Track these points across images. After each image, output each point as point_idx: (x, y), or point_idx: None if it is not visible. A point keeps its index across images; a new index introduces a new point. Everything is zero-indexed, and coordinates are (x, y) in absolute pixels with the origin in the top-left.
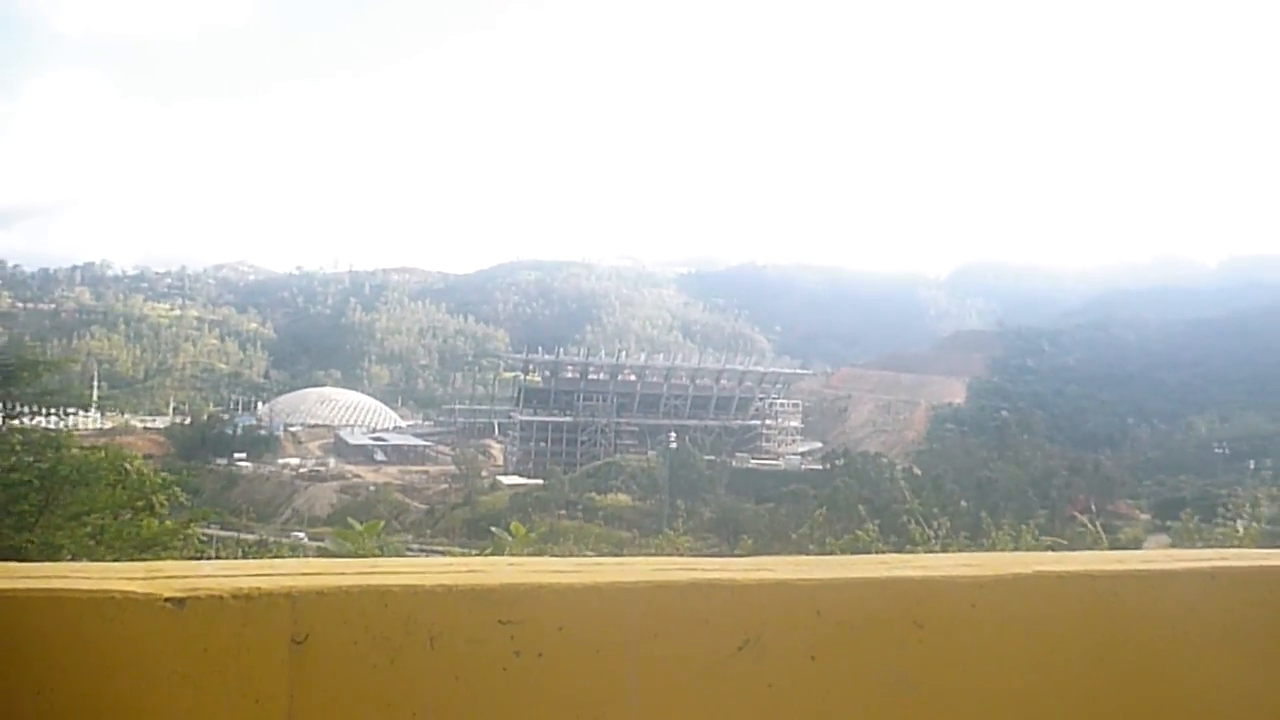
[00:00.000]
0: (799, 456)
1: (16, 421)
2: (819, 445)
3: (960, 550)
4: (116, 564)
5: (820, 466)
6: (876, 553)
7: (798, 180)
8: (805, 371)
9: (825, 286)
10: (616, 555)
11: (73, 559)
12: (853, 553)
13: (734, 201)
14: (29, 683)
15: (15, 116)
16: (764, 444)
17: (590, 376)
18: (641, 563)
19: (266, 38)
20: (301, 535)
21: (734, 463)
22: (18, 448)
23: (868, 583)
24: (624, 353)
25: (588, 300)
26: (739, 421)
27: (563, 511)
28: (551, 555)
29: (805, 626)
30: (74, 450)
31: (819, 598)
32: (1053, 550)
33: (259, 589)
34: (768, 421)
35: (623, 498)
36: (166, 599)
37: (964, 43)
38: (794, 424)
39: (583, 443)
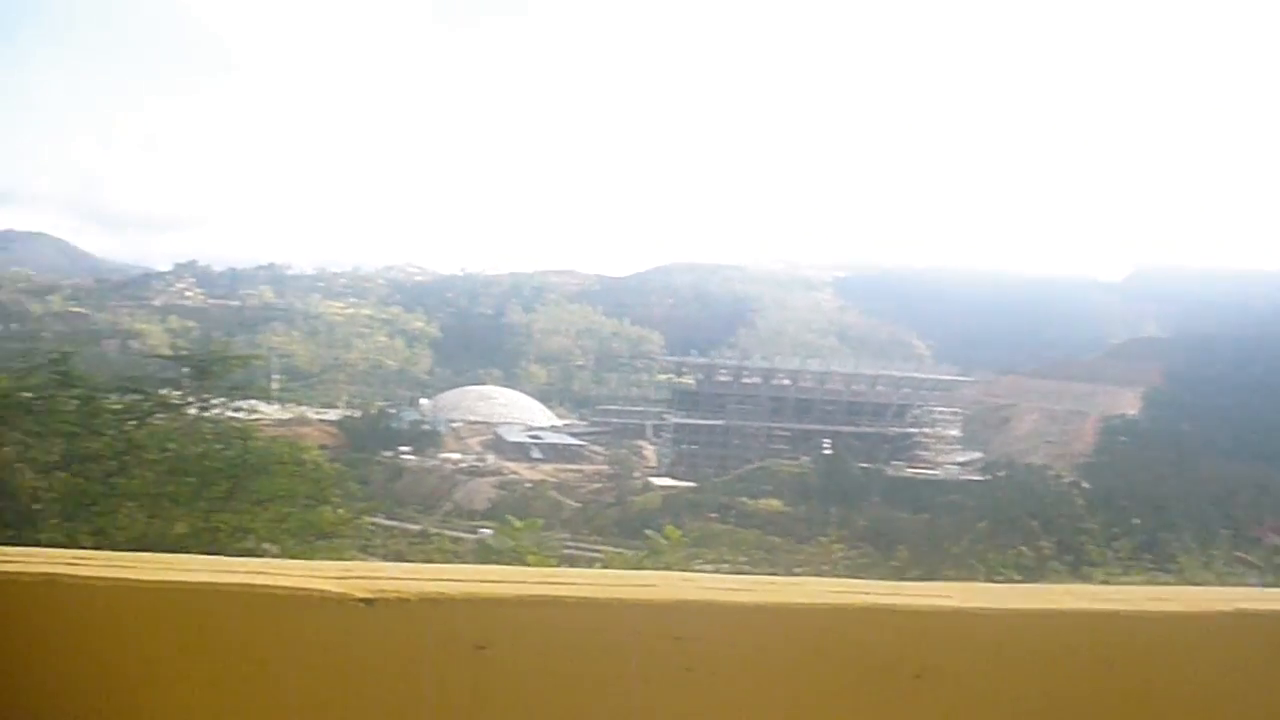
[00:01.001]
0: (958, 466)
1: (208, 412)
2: (979, 455)
3: (1144, 574)
4: (312, 562)
5: (980, 477)
6: (1049, 572)
7: (960, 179)
8: (966, 379)
9: (988, 290)
10: (770, 560)
11: (259, 543)
12: (1018, 570)
13: (893, 203)
14: (235, 673)
15: (203, 123)
16: (921, 452)
17: (744, 380)
18: (814, 583)
19: (435, 44)
20: (488, 531)
21: (889, 471)
22: (208, 436)
23: (1052, 615)
24: (778, 357)
25: (742, 303)
26: (895, 429)
27: (714, 514)
28: (705, 559)
29: (984, 659)
30: (259, 441)
31: (999, 629)
32: (1245, 581)
33: (444, 594)
34: (925, 430)
35: (774, 503)
36: (359, 599)
37: (1134, 24)
38: (953, 433)
39: (735, 446)
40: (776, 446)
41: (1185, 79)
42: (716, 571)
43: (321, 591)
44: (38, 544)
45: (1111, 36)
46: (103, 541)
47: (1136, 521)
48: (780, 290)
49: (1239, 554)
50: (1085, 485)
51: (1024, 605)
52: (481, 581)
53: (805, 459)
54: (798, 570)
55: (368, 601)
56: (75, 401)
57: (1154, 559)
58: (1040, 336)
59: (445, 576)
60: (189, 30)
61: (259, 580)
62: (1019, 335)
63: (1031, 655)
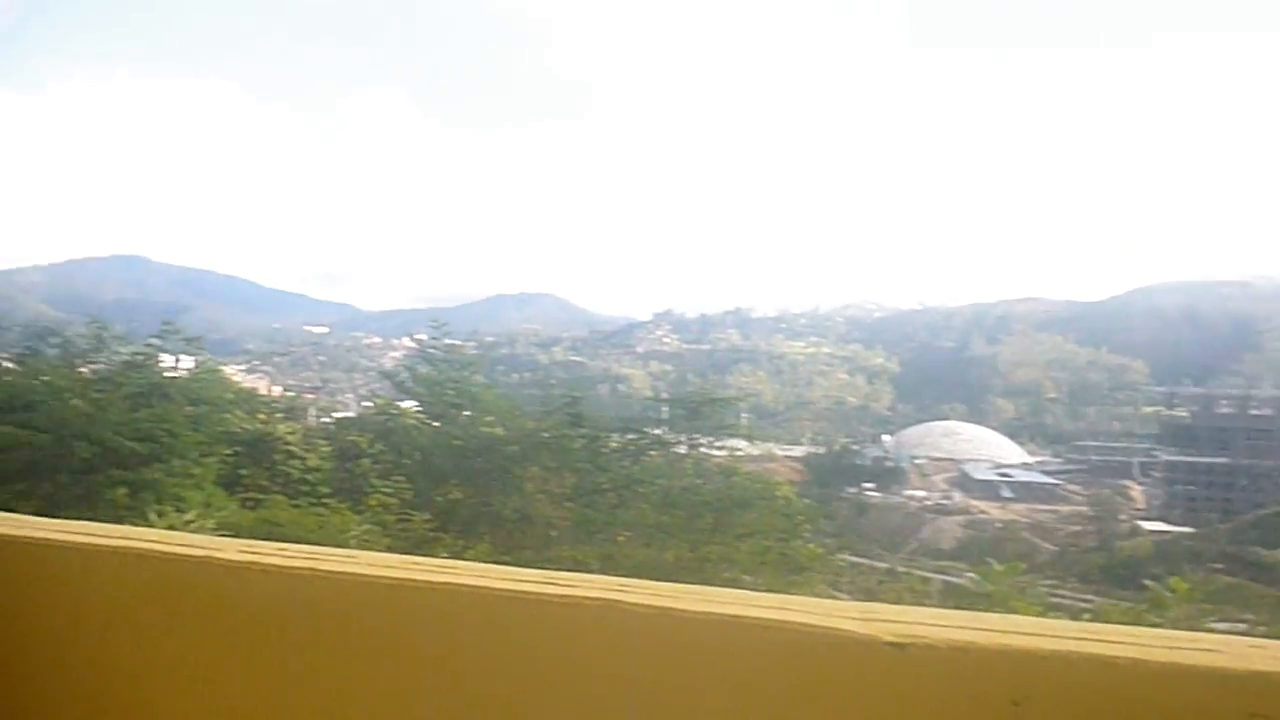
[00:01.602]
0: None
1: (694, 450)
2: None
3: None
4: (833, 601)
5: None
6: None
7: None
8: None
9: None
10: None
11: (740, 574)
12: None
13: None
14: (754, 708)
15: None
16: None
17: (1251, 412)
18: None
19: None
20: (971, 576)
21: None
22: (690, 472)
23: None
24: None
25: (1245, 324)
26: None
27: (1219, 566)
28: (1218, 616)
29: None
30: (740, 477)
31: None
32: None
33: (975, 643)
34: None
35: None
36: (886, 642)
37: None
38: None
39: (1242, 488)
40: None
41: None
42: (1233, 633)
43: (848, 632)
44: (548, 566)
45: None
46: (609, 567)
47: None
48: None
49: None
50: None
51: None
52: (1016, 633)
53: None
54: None
55: (897, 646)
56: (583, 440)
57: None
58: None
59: (976, 625)
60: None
61: (786, 616)
62: None
63: None
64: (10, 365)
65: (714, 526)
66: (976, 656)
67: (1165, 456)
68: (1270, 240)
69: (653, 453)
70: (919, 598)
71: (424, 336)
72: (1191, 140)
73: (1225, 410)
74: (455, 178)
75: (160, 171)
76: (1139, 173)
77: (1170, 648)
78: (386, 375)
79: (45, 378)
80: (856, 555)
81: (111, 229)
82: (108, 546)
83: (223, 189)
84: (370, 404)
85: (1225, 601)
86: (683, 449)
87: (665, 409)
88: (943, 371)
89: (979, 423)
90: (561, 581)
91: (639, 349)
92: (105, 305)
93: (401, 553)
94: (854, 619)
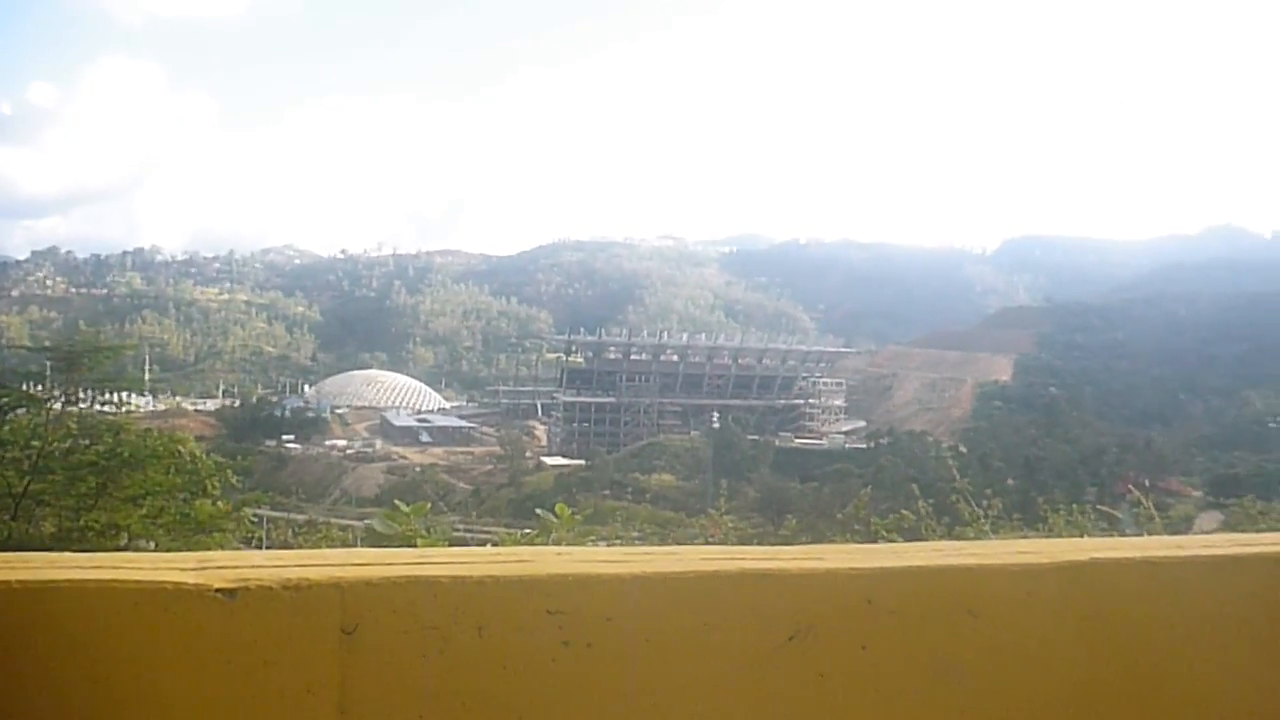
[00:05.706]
0: (843, 435)
1: (74, 407)
2: (863, 424)
3: (1013, 531)
4: (169, 554)
5: (865, 445)
6: (926, 532)
7: (840, 157)
8: (849, 350)
9: (869, 264)
10: (662, 535)
11: (131, 540)
12: (900, 532)
13: (776, 179)
14: (85, 673)
15: (68, 105)
16: (808, 423)
17: (633, 357)
18: (691, 552)
19: (319, 27)
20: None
21: (777, 442)
22: (74, 431)
23: (920, 571)
24: (666, 333)
25: (630, 280)
26: (782, 401)
27: (607, 492)
28: (597, 535)
29: (857, 616)
30: (131, 434)
31: (871, 587)
32: (1110, 533)
33: (308, 579)
34: (811, 401)
35: (666, 478)
36: (217, 589)
37: (1006, 11)
38: (838, 403)
39: (626, 423)
40: (667, 422)
41: (1047, 61)
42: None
43: (177, 583)
44: None
45: (980, 14)
46: None
47: (1011, 482)
48: (667, 266)
49: (1103, 508)
50: (962, 449)
51: (892, 563)
52: (348, 565)
53: (695, 433)
54: (689, 543)
55: (228, 592)
56: None
57: (1024, 517)
58: (919, 307)
59: (310, 562)
60: (61, 8)
61: (108, 575)
62: (898, 307)
63: (900, 609)
64: None
65: (98, 491)
66: (309, 593)
67: (564, 398)
68: (650, 206)
69: (20, 411)
70: (334, 546)
71: None
72: (576, 111)
73: (612, 356)
74: None
75: None
76: (541, 136)
77: (487, 562)
78: None
79: None
80: (276, 509)
81: None
82: None
83: None
84: None
85: (608, 522)
86: (59, 406)
87: (47, 361)
88: (364, 320)
89: (400, 371)
90: None
91: (14, 293)
92: None
93: None
94: (188, 569)
